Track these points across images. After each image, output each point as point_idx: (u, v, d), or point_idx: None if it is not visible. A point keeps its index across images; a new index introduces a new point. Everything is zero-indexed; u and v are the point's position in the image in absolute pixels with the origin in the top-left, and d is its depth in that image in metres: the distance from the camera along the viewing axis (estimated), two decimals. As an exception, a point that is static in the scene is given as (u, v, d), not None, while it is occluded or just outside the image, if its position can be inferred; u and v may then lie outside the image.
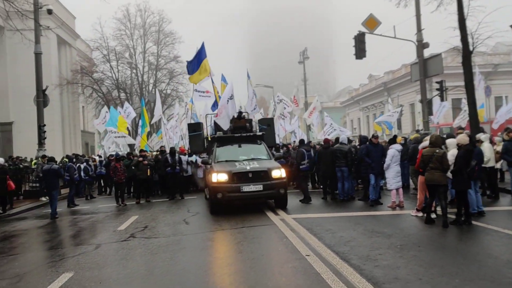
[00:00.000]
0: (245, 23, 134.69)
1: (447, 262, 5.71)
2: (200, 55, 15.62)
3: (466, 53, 15.38)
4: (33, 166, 18.68)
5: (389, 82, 44.95)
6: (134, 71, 42.37)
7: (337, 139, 14.29)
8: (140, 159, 14.51)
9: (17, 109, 37.56)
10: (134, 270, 6.22)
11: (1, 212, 13.02)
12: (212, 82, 16.77)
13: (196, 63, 15.82)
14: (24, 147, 33.58)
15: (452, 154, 9.64)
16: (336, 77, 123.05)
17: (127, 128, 20.83)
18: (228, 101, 13.34)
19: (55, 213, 12.14)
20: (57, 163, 20.18)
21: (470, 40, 15.52)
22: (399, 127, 34.95)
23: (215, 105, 16.87)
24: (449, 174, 9.92)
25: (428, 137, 10.96)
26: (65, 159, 19.93)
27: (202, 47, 15.78)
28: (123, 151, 25.36)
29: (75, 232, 9.96)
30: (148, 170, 14.82)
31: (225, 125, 12.97)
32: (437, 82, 19.00)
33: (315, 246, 6.77)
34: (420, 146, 9.54)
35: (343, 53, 17.67)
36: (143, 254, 7.12)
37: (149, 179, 15.11)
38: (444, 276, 5.09)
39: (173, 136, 22.29)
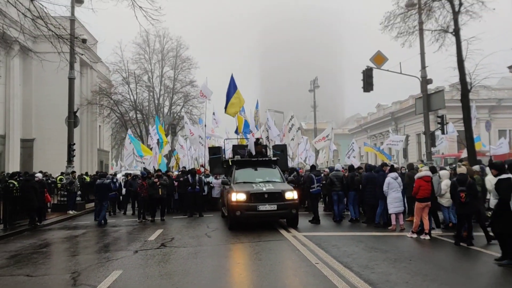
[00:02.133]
0: (257, 58, 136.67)
1: (431, 272, 6.96)
2: (231, 88, 17.41)
3: (464, 92, 16.75)
4: (59, 182, 20.01)
5: (396, 112, 46.35)
6: (151, 93, 44.31)
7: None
8: (156, 180, 15.45)
9: (39, 127, 39.53)
10: (173, 270, 7.53)
11: (38, 223, 14.40)
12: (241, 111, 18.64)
13: (230, 95, 17.59)
14: (44, 163, 35.32)
15: (445, 184, 10.98)
16: (345, 104, 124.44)
17: (151, 149, 22.38)
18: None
19: (102, 220, 14.19)
20: (84, 179, 21.71)
21: (468, 79, 16.92)
22: (405, 156, 36.14)
23: (237, 131, 18.55)
24: (443, 201, 11.26)
25: (425, 167, 12.26)
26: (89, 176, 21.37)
27: (232, 79, 17.51)
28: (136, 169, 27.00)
29: (110, 240, 11.29)
30: (160, 190, 15.39)
31: (253, 150, 14.49)
32: (438, 117, 20.31)
33: (322, 257, 8.06)
34: (416, 176, 10.71)
35: (353, 80, 19.02)
36: (177, 258, 8.44)
37: (162, 199, 15.79)
38: (426, 281, 6.37)
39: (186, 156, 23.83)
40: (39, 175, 15.17)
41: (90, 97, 39.59)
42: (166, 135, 32.83)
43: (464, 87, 16.77)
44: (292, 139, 23.10)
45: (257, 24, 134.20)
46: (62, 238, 11.98)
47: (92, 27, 23.27)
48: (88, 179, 23.27)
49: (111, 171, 40.17)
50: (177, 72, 45.04)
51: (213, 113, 21.95)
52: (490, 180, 9.68)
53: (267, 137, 17.62)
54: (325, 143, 25.44)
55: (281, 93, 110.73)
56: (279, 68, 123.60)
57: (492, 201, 8.06)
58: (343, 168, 16.85)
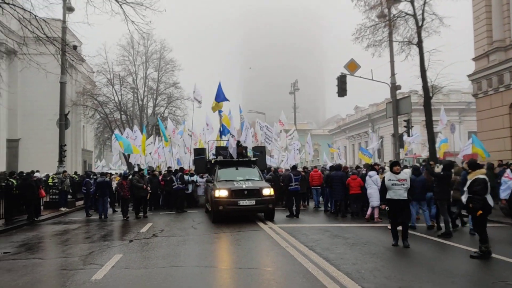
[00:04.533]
0: (240, 61, 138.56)
1: (379, 251, 8.52)
2: (221, 94, 19.24)
3: (426, 99, 18.51)
4: (51, 181, 21.05)
5: (373, 114, 48.31)
6: (135, 95, 45.19)
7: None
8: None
9: (25, 127, 40.17)
10: (166, 253, 8.90)
11: (35, 218, 15.53)
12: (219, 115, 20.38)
13: (219, 97, 19.32)
14: (29, 162, 35.92)
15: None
16: (326, 106, 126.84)
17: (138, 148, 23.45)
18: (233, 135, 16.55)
19: (104, 214, 15.99)
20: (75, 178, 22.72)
21: (430, 87, 18.69)
22: (379, 156, 38.14)
23: (224, 133, 20.27)
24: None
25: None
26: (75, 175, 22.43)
27: (220, 87, 19.30)
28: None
29: (106, 232, 12.57)
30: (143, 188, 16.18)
31: (234, 153, 15.96)
32: (404, 120, 22.06)
33: (292, 242, 9.56)
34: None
35: (333, 83, 20.15)
36: (168, 245, 9.81)
37: (144, 197, 16.38)
38: (372, 258, 7.93)
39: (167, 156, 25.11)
40: (38, 174, 16.30)
41: (74, 98, 40.32)
42: (149, 136, 33.99)
43: (426, 94, 18.52)
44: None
45: (240, 29, 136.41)
46: (61, 230, 13.18)
47: (76, 26, 24.15)
48: (77, 178, 24.30)
49: (95, 171, 41.07)
50: (161, 74, 45.93)
51: (207, 124, 23.53)
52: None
53: (245, 141, 19.07)
54: (288, 140, 27.03)
55: (264, 95, 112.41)
56: (261, 71, 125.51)
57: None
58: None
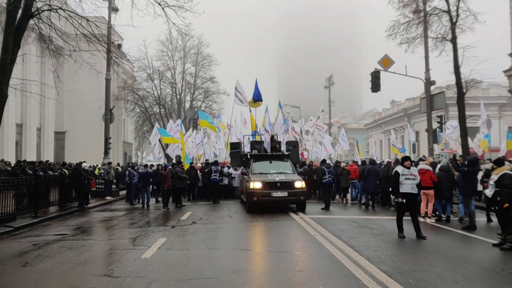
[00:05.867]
0: (273, 46, 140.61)
1: (401, 241, 9.10)
2: (257, 91, 20.36)
3: (460, 95, 18.59)
4: (97, 172, 22.58)
5: (409, 109, 47.87)
6: (174, 89, 46.73)
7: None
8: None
9: (70, 120, 42.51)
10: (205, 237, 9.83)
11: (85, 205, 16.92)
12: (250, 111, 21.12)
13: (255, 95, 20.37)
14: (75, 154, 38.12)
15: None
16: (362, 100, 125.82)
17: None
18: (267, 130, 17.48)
19: (146, 203, 17.11)
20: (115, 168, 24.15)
21: (464, 82, 18.74)
22: (414, 151, 37.97)
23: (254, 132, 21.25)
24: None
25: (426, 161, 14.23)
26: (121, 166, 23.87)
27: (256, 84, 20.21)
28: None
29: (150, 219, 13.69)
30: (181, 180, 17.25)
31: (268, 147, 16.83)
32: (438, 116, 22.15)
33: (320, 231, 10.29)
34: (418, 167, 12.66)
35: (369, 78, 20.43)
36: (207, 231, 10.76)
37: (182, 188, 17.59)
38: (394, 246, 8.56)
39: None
40: (85, 165, 17.69)
41: (116, 92, 42.22)
42: (187, 129, 35.30)
43: (460, 90, 18.60)
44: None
45: (279, 29, 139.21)
46: (109, 217, 14.43)
47: (117, 22, 25.64)
48: (120, 169, 25.80)
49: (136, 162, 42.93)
50: (198, 69, 47.26)
51: (245, 120, 24.69)
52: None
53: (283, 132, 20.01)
54: (316, 129, 27.55)
55: (300, 94, 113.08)
56: (296, 73, 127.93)
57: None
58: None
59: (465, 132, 18.85)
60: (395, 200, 9.87)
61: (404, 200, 9.58)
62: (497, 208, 8.85)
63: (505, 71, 20.52)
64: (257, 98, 20.74)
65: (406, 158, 10.01)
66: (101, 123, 23.52)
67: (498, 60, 20.45)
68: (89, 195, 18.24)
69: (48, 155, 37.66)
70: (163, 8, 14.95)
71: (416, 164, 13.11)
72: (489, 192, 8.87)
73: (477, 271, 6.64)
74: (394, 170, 10.06)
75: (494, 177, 8.78)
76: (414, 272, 6.56)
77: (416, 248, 8.61)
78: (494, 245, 8.55)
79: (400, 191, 9.59)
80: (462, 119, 18.80)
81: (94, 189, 20.66)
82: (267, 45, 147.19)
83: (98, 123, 31.13)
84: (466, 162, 11.69)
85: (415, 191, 9.67)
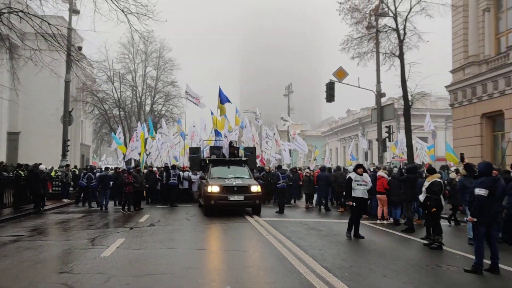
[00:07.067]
0: (237, 62, 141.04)
1: (346, 242, 9.96)
2: (223, 96, 20.66)
3: (406, 107, 19.94)
4: (54, 174, 22.33)
5: (363, 118, 49.80)
6: (134, 92, 46.43)
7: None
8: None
9: (26, 121, 41.35)
10: (162, 238, 10.31)
11: (41, 208, 16.85)
12: (212, 113, 21.61)
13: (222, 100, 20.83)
14: (29, 155, 37.07)
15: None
16: (321, 106, 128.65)
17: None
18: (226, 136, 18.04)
19: (105, 205, 17.30)
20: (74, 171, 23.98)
21: (410, 96, 20.13)
22: (366, 159, 39.74)
23: (217, 134, 21.63)
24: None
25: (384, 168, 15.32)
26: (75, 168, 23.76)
27: (220, 90, 20.58)
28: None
29: (108, 221, 13.96)
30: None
31: (227, 153, 17.38)
32: (386, 126, 23.56)
33: (272, 232, 11.01)
34: (378, 174, 13.81)
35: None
36: (165, 232, 11.23)
37: (140, 191, 17.77)
38: (337, 246, 9.39)
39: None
40: (42, 167, 17.61)
41: (75, 94, 41.48)
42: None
43: (406, 103, 19.95)
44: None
45: (239, 30, 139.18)
46: (66, 219, 14.55)
47: (79, 26, 25.52)
48: (77, 171, 25.58)
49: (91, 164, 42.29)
50: (159, 72, 47.15)
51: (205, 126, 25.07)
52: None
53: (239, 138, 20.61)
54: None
55: (260, 96, 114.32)
56: (258, 73, 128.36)
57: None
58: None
59: (410, 143, 20.20)
60: (346, 203, 10.83)
61: (354, 204, 10.50)
62: (426, 211, 9.89)
63: (446, 86, 22.15)
64: (225, 102, 20.99)
65: (359, 166, 11.00)
66: (57, 124, 23.29)
67: (442, 76, 22.09)
68: (45, 197, 18.16)
69: (0, 156, 36.50)
70: (126, 15, 15.29)
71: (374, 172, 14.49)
72: (421, 197, 9.87)
73: (405, 267, 7.53)
74: (348, 176, 11.02)
75: (426, 184, 9.80)
76: (350, 268, 7.38)
77: (357, 247, 9.49)
78: (425, 244, 9.56)
79: (352, 195, 10.56)
80: (408, 130, 20.15)
81: (51, 191, 20.54)
82: (227, 45, 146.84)
83: (55, 124, 30.65)
84: (403, 170, 12.83)
85: (366, 196, 10.68)
